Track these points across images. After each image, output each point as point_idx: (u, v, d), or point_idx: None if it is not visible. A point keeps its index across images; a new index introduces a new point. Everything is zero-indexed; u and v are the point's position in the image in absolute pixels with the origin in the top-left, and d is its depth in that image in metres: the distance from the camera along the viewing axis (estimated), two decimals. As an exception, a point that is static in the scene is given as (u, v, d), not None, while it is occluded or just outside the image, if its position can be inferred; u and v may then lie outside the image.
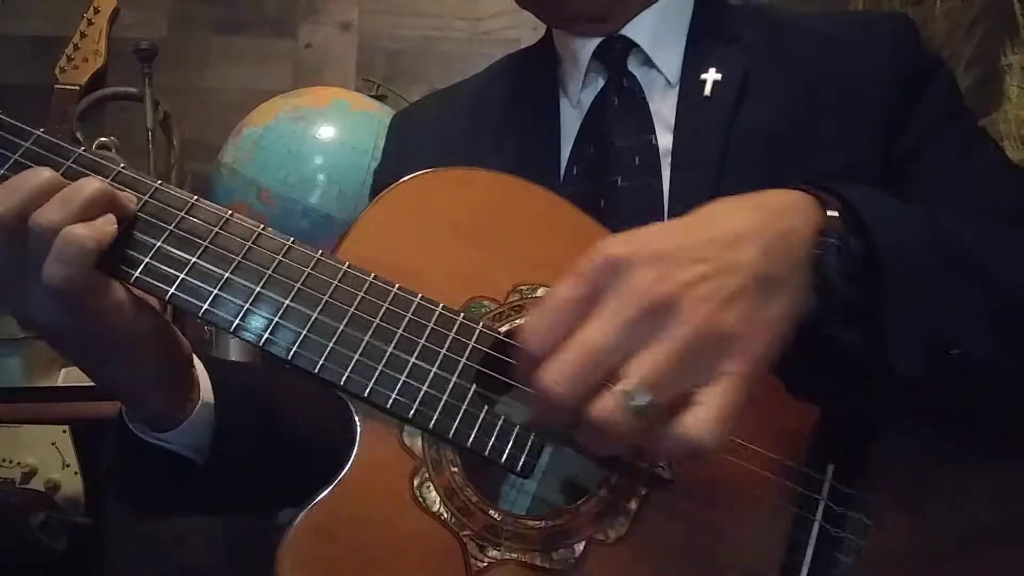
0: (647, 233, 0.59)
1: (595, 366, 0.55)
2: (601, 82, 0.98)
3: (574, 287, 0.57)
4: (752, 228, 0.59)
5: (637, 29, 0.97)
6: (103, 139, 1.93)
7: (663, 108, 0.94)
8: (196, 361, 0.81)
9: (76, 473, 1.60)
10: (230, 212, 0.72)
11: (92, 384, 0.77)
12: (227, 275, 0.70)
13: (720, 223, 0.60)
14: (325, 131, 1.70)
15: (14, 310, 0.69)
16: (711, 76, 0.92)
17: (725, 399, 0.55)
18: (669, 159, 0.90)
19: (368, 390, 0.68)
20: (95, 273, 0.66)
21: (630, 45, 0.97)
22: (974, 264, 0.65)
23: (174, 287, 0.69)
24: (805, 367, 0.63)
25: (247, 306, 0.69)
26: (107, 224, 0.66)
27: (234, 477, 0.83)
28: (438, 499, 0.67)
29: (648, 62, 0.96)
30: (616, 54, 0.97)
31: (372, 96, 1.95)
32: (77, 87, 1.98)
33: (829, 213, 0.63)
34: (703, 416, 0.54)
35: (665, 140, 0.92)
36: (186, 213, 0.71)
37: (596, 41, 0.98)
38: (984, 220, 0.73)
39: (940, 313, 0.62)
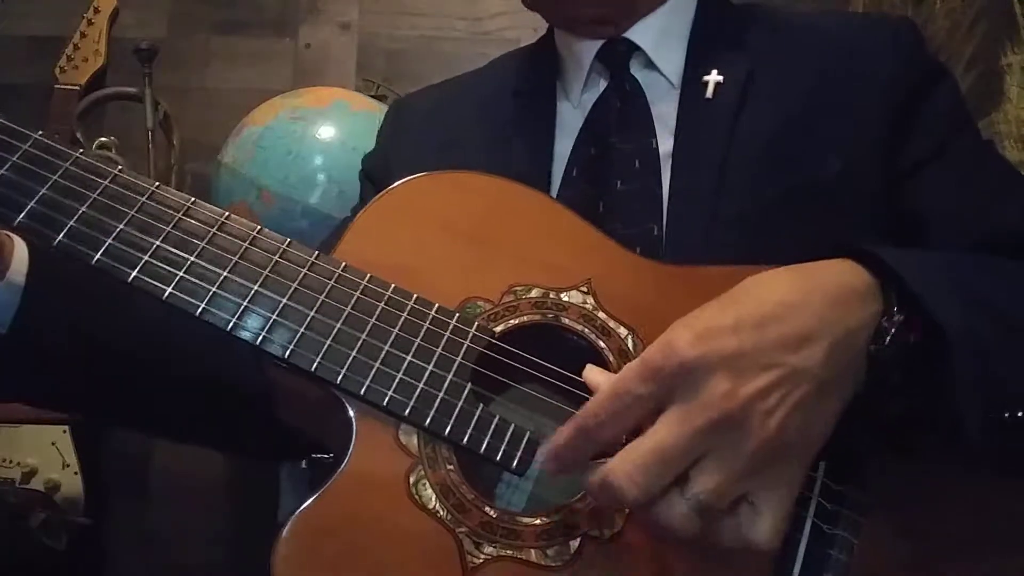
0: (719, 326, 0.60)
1: (667, 471, 0.58)
2: (603, 84, 0.98)
3: (644, 383, 0.59)
4: (818, 328, 0.61)
5: (641, 32, 0.97)
6: (103, 139, 1.94)
7: (665, 111, 0.94)
8: (17, 241, 0.79)
9: (76, 473, 1.60)
10: (227, 214, 0.73)
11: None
12: (224, 274, 0.70)
13: (790, 317, 0.61)
14: (325, 131, 1.70)
15: None
16: (713, 78, 0.92)
17: (783, 506, 0.60)
18: (670, 162, 0.90)
19: (365, 388, 0.68)
20: None
21: (633, 48, 0.97)
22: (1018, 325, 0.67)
23: (171, 287, 0.69)
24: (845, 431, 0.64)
25: (245, 304, 0.70)
26: None
27: (36, 363, 0.81)
28: (434, 496, 0.67)
29: (650, 65, 0.96)
30: (619, 57, 0.97)
31: (372, 96, 1.95)
32: (77, 87, 1.99)
33: (888, 297, 0.64)
34: (765, 526, 0.59)
35: (666, 143, 0.92)
36: (183, 215, 0.72)
37: (599, 43, 0.98)
38: (1010, 268, 0.73)
39: (997, 381, 0.63)
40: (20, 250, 0.79)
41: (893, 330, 0.63)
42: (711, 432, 0.57)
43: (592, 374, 0.65)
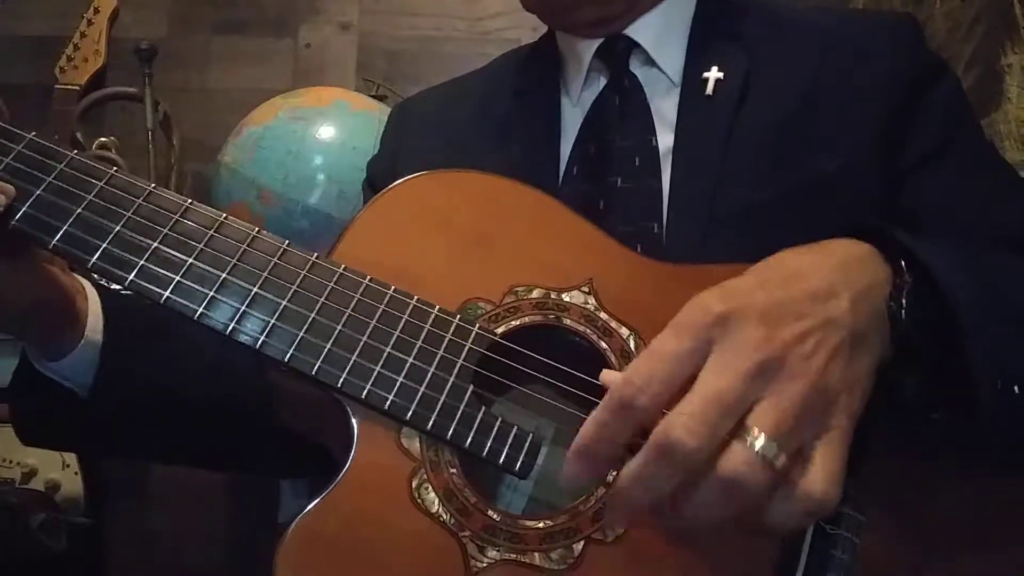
0: (744, 286, 0.60)
1: (726, 416, 0.55)
2: (603, 81, 0.97)
3: (680, 340, 0.57)
4: (840, 281, 0.62)
5: (640, 29, 0.96)
6: (103, 139, 1.94)
7: (665, 107, 0.94)
8: (90, 293, 0.80)
9: (76, 473, 1.60)
10: (224, 216, 0.72)
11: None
12: (224, 276, 0.70)
13: (810, 276, 0.61)
14: (325, 131, 1.70)
15: None
16: (713, 75, 0.92)
17: (836, 455, 0.58)
18: (670, 159, 0.90)
19: (366, 392, 0.68)
20: None
21: (632, 45, 0.96)
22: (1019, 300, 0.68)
23: (169, 290, 0.69)
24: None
25: (243, 308, 0.69)
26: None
27: (116, 419, 0.83)
28: (437, 500, 0.67)
29: (650, 62, 0.96)
30: (618, 54, 0.97)
31: (372, 96, 1.95)
32: (77, 87, 1.98)
33: (896, 265, 0.65)
34: (823, 477, 0.56)
35: (666, 140, 0.91)
36: (180, 216, 0.72)
37: (598, 41, 0.97)
38: (1011, 256, 0.75)
39: (1006, 352, 0.64)
40: (94, 306, 0.80)
41: (906, 288, 0.64)
42: (758, 375, 0.56)
43: (609, 376, 0.64)
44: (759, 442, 0.55)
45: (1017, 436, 0.65)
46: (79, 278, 0.81)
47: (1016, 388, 0.64)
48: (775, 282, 0.61)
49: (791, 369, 0.57)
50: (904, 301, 0.63)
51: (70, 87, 1.98)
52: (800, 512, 0.57)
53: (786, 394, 0.56)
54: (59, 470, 1.60)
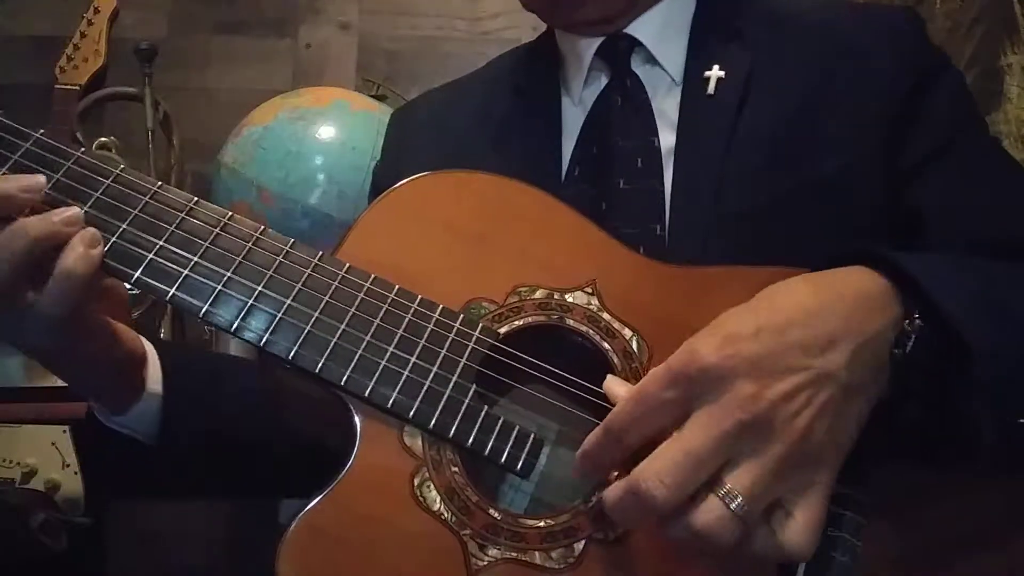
0: (741, 332, 0.60)
1: (697, 472, 0.57)
2: (604, 81, 0.97)
3: (668, 388, 0.59)
4: (842, 332, 0.61)
5: (641, 27, 0.96)
6: (103, 139, 1.94)
7: (667, 106, 0.93)
8: (149, 350, 0.81)
9: (76, 473, 1.60)
10: (230, 214, 0.73)
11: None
12: (229, 274, 0.70)
13: (812, 322, 0.61)
14: (325, 131, 1.70)
15: None
16: (715, 73, 0.91)
17: (815, 510, 0.59)
18: (672, 159, 0.90)
19: (369, 390, 0.68)
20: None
21: (634, 43, 0.96)
22: None
23: (175, 287, 0.69)
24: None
25: (250, 303, 0.69)
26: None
27: (185, 463, 0.84)
28: (438, 498, 0.67)
29: (651, 60, 0.95)
30: (620, 53, 0.96)
31: (372, 96, 1.95)
32: (77, 87, 1.98)
33: (907, 302, 0.64)
34: (799, 530, 0.59)
35: (668, 139, 0.91)
36: (186, 214, 0.72)
37: (599, 39, 0.97)
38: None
39: (1015, 384, 0.63)
40: (152, 357, 0.81)
41: (915, 335, 0.63)
42: (739, 434, 0.57)
43: (612, 385, 0.65)
44: (732, 500, 0.57)
45: (1017, 465, 0.66)
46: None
47: (1020, 420, 0.63)
48: (772, 330, 0.60)
49: (776, 428, 0.58)
50: (909, 345, 0.63)
51: (70, 87, 1.99)
52: (775, 558, 0.60)
53: (767, 455, 0.58)
54: (59, 470, 1.59)
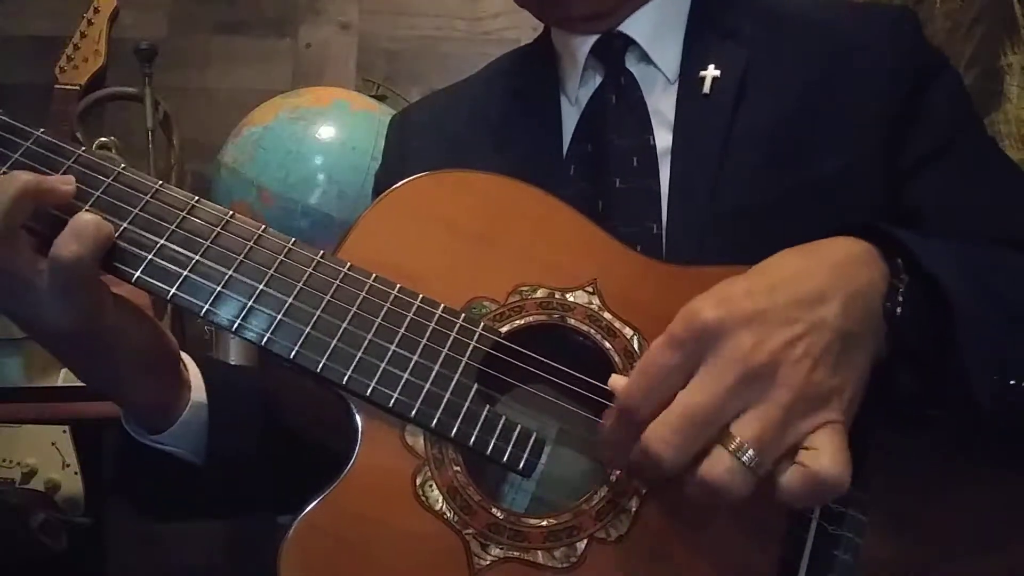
0: (734, 292, 0.61)
1: (703, 427, 0.58)
2: (599, 79, 0.96)
3: (671, 353, 0.60)
4: (831, 285, 0.62)
5: (635, 25, 0.95)
6: (103, 139, 1.94)
7: (662, 106, 0.93)
8: (188, 360, 0.82)
9: (76, 473, 1.60)
10: (231, 213, 0.72)
11: (92, 384, 0.78)
12: (230, 274, 0.70)
13: (801, 280, 0.62)
14: (325, 131, 1.70)
15: (14, 308, 0.70)
16: (710, 73, 0.91)
17: (838, 440, 0.59)
18: (668, 159, 0.89)
19: (371, 389, 0.68)
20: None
21: (628, 42, 0.95)
22: (1017, 296, 0.68)
23: (176, 286, 0.69)
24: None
25: (250, 303, 0.69)
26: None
27: (234, 477, 0.83)
28: (440, 498, 0.67)
29: (646, 59, 0.95)
30: (614, 51, 0.95)
31: (372, 96, 1.95)
32: (77, 87, 1.99)
33: (893, 263, 0.66)
34: (829, 456, 0.58)
35: (664, 139, 0.91)
36: (187, 213, 0.72)
37: (594, 38, 0.96)
38: (1009, 251, 0.75)
39: (1001, 348, 0.65)
40: (193, 368, 0.82)
41: (902, 287, 0.64)
42: (742, 386, 0.58)
43: (618, 383, 0.65)
44: (742, 452, 0.57)
45: (1016, 431, 0.66)
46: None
47: (1013, 382, 0.64)
48: (766, 288, 0.61)
49: (779, 376, 0.58)
50: (900, 299, 0.64)
51: (70, 87, 1.99)
52: (811, 491, 0.58)
53: (773, 402, 0.58)
54: (59, 470, 1.60)
